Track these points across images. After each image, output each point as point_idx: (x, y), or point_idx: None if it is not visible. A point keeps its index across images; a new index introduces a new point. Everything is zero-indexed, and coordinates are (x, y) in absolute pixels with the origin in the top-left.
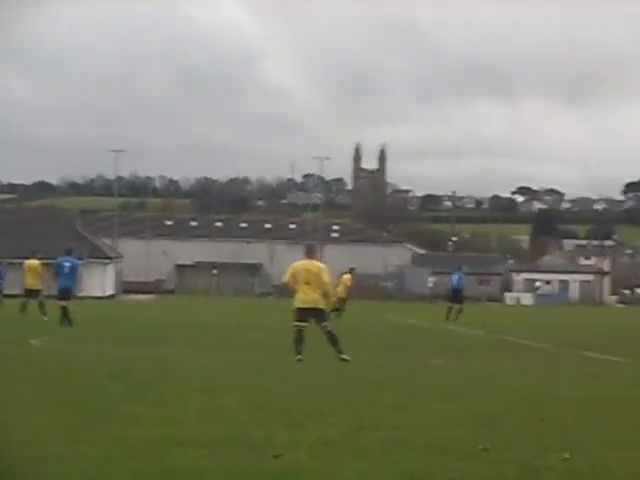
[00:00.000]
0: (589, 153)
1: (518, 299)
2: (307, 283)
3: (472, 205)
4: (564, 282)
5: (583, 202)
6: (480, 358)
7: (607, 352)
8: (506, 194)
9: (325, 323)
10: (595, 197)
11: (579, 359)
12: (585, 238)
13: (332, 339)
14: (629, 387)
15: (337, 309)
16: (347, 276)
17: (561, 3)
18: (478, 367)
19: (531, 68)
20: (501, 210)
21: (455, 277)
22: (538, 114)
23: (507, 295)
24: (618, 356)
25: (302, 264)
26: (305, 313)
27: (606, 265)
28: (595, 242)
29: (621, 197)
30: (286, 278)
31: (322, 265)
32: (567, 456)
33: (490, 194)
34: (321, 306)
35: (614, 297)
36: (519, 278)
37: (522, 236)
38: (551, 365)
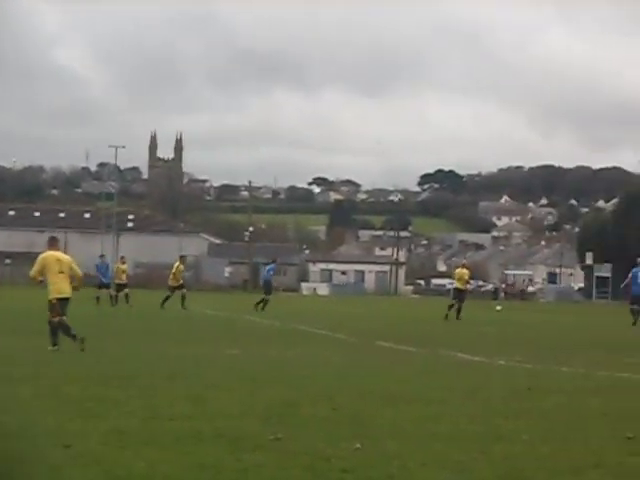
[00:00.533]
0: (386, 144)
1: (314, 289)
2: (60, 272)
3: (269, 195)
4: (360, 272)
5: (379, 193)
6: (275, 348)
7: (401, 342)
8: (303, 185)
9: (64, 316)
10: (391, 188)
11: (374, 349)
12: (381, 229)
13: (65, 329)
14: (422, 377)
15: (168, 297)
16: (177, 264)
17: None
18: (273, 357)
19: (328, 58)
20: (298, 200)
21: (266, 268)
22: (335, 104)
23: (304, 285)
24: (412, 346)
25: (52, 254)
26: (62, 303)
27: (402, 256)
28: (391, 233)
29: (417, 188)
30: (34, 271)
31: (68, 256)
32: (358, 446)
33: (287, 184)
34: (70, 296)
35: (409, 287)
36: (315, 268)
37: (319, 227)
38: (346, 355)
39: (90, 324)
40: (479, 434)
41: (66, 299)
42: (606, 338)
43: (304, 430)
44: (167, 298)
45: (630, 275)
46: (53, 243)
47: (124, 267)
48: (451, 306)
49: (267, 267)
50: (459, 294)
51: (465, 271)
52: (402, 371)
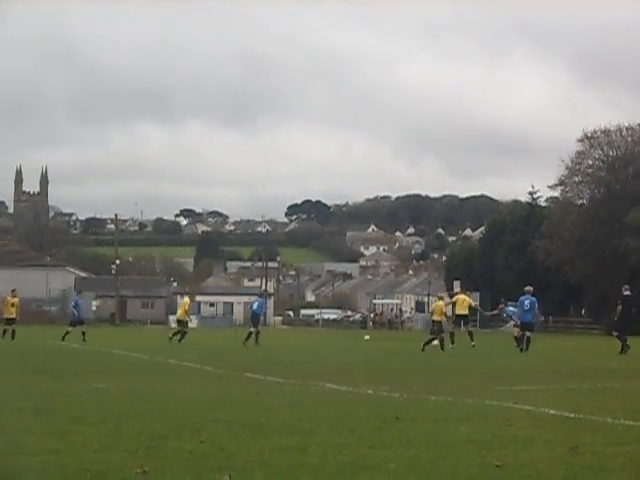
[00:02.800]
0: (253, 175)
1: None
2: None
3: (136, 228)
4: (228, 304)
5: (247, 224)
6: (143, 381)
7: (270, 373)
8: (170, 217)
9: None
10: (259, 219)
11: (242, 380)
12: (249, 260)
13: None
14: (290, 408)
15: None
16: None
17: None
18: (140, 390)
19: (191, 89)
20: (165, 233)
21: (255, 303)
22: (199, 136)
23: (171, 318)
24: (280, 377)
25: None
26: None
27: (270, 287)
28: (259, 264)
29: (284, 219)
30: None
31: None
32: (226, 478)
33: (154, 217)
34: None
35: (278, 318)
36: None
37: (187, 259)
38: (214, 387)
39: None
40: (346, 464)
41: None
42: (475, 365)
43: (171, 463)
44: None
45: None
46: None
47: (14, 300)
48: (443, 339)
49: (255, 301)
50: (440, 326)
51: (442, 303)
52: (270, 402)
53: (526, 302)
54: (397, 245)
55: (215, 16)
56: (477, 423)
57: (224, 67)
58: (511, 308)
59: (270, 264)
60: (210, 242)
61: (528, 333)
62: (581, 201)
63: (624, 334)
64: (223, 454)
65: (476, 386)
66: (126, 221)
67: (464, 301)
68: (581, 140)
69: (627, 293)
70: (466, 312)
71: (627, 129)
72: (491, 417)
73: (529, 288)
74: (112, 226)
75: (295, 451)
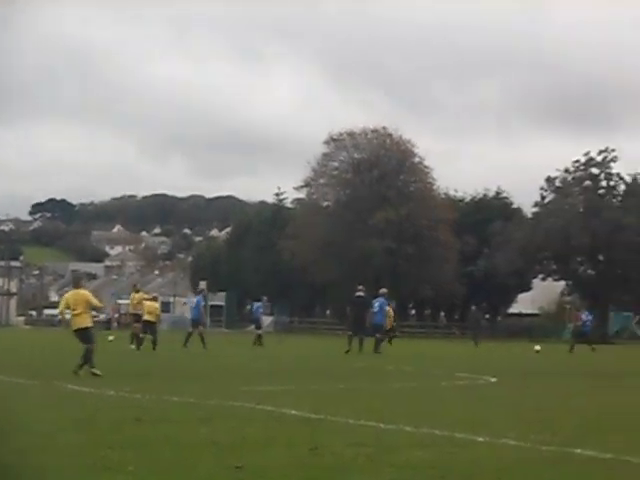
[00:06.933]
0: None
1: None
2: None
3: None
4: None
5: None
6: None
7: (13, 374)
8: None
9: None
10: (2, 217)
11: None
12: None
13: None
14: (32, 409)
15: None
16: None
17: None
18: None
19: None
20: None
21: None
22: None
23: None
24: (23, 378)
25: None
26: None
27: (13, 286)
28: (1, 263)
29: (28, 217)
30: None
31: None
32: None
33: None
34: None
35: (21, 318)
36: None
37: None
38: None
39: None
40: (87, 465)
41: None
42: (223, 367)
43: None
44: None
45: None
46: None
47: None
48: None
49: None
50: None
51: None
52: (11, 404)
53: (376, 304)
54: (143, 245)
55: None
56: (219, 424)
57: None
58: (257, 304)
59: (13, 263)
60: None
61: (378, 335)
62: (327, 203)
63: (361, 334)
64: None
65: (221, 387)
66: None
67: None
68: (327, 142)
69: (359, 294)
70: None
71: (372, 132)
72: (233, 418)
73: (384, 291)
74: None
75: (33, 452)
